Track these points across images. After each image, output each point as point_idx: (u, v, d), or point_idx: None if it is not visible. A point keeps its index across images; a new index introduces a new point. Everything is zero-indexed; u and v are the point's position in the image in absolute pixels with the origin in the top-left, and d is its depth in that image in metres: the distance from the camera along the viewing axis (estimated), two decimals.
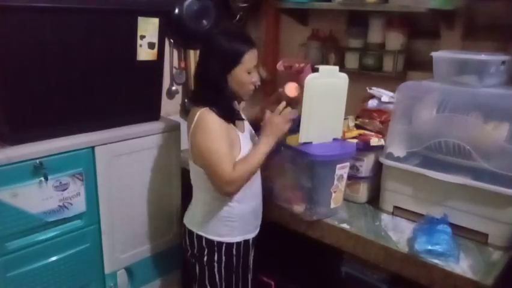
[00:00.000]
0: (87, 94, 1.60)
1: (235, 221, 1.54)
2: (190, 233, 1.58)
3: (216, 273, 1.56)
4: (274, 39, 2.46)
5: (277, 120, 1.47)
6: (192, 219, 1.60)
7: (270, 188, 1.70)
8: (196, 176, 1.54)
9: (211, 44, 1.44)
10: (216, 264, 1.55)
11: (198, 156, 1.45)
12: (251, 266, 1.69)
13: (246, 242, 1.60)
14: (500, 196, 1.35)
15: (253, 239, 1.63)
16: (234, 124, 1.50)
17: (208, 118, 1.41)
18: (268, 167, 1.66)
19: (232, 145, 1.45)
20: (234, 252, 1.56)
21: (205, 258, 1.55)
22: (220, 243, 1.54)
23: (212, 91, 1.44)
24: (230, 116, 1.48)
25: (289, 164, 1.62)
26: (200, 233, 1.55)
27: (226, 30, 1.51)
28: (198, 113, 1.42)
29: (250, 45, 1.44)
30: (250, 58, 1.44)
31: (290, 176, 1.65)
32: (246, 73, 1.45)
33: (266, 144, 1.45)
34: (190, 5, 2.14)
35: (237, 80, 1.44)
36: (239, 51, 1.42)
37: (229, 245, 1.55)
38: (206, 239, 1.54)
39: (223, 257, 1.55)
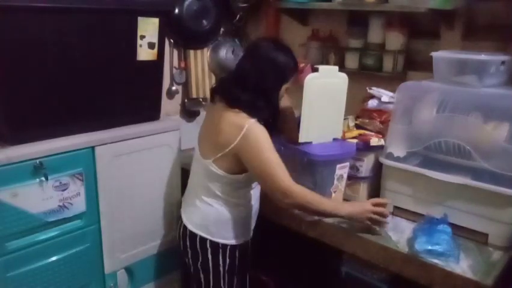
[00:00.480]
0: (87, 94, 1.60)
1: (242, 224, 1.55)
2: (192, 235, 1.55)
3: (221, 277, 1.55)
4: None
5: (368, 209, 1.43)
6: (195, 221, 1.55)
7: None
8: (215, 179, 1.48)
9: (274, 55, 1.43)
10: (221, 269, 1.55)
11: (251, 168, 1.41)
12: (248, 267, 1.69)
13: (246, 243, 1.61)
14: (500, 196, 1.35)
15: (251, 240, 1.65)
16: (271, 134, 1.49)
17: (260, 130, 1.39)
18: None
19: None
20: (237, 254, 1.57)
21: (210, 261, 1.54)
22: (224, 246, 1.53)
23: (263, 100, 1.42)
24: (273, 126, 1.48)
25: (289, 164, 1.62)
26: (204, 236, 1.53)
27: (285, 48, 1.49)
28: (246, 125, 1.37)
29: (297, 68, 1.50)
30: (292, 80, 1.49)
31: (290, 175, 1.65)
32: (284, 90, 1.49)
33: (346, 210, 1.43)
34: (190, 5, 2.14)
35: (279, 95, 1.48)
36: (293, 71, 1.47)
37: (233, 248, 1.55)
38: (211, 241, 1.52)
39: (228, 260, 1.55)
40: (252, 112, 1.40)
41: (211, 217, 1.52)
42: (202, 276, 1.57)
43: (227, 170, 1.45)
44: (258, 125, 1.39)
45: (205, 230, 1.53)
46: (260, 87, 1.42)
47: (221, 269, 1.55)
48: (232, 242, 1.55)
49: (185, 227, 1.58)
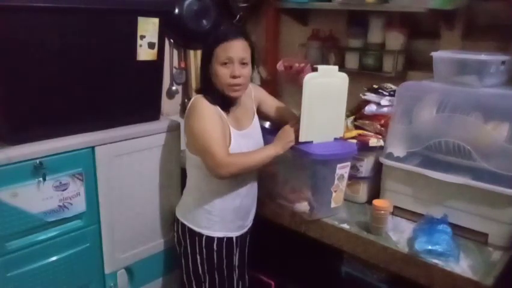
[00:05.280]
0: (87, 94, 1.60)
1: (215, 216, 1.56)
2: (177, 220, 1.65)
3: (199, 265, 1.59)
4: (274, 39, 2.46)
5: (290, 133, 1.51)
6: (180, 207, 1.67)
7: (270, 187, 1.70)
8: (190, 163, 1.59)
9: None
10: (198, 257, 1.59)
11: (192, 139, 1.50)
12: (236, 265, 1.67)
13: (229, 240, 1.60)
14: (500, 196, 1.35)
15: (237, 238, 1.63)
16: (228, 111, 1.54)
17: (201, 102, 1.49)
18: (268, 166, 1.66)
19: (224, 134, 1.48)
20: (215, 247, 1.57)
21: (189, 249, 1.60)
22: (200, 235, 1.57)
23: (205, 85, 1.54)
24: (222, 102, 1.52)
25: (289, 163, 1.62)
26: (184, 221, 1.61)
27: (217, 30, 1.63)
28: (192, 98, 1.53)
29: (222, 38, 1.46)
30: (222, 50, 1.45)
31: (290, 175, 1.65)
32: (220, 66, 1.47)
33: (273, 149, 1.50)
34: (190, 5, 2.14)
35: (215, 74, 1.49)
36: (210, 47, 1.48)
37: (210, 239, 1.57)
38: (188, 228, 1.59)
39: (204, 250, 1.58)
40: (200, 93, 1.53)
41: (189, 203, 1.61)
42: (183, 261, 1.64)
43: (193, 151, 1.52)
44: (201, 99, 1.49)
45: (184, 216, 1.62)
46: (200, 74, 1.56)
47: (198, 257, 1.59)
48: (207, 232, 1.57)
49: (174, 213, 1.68)
